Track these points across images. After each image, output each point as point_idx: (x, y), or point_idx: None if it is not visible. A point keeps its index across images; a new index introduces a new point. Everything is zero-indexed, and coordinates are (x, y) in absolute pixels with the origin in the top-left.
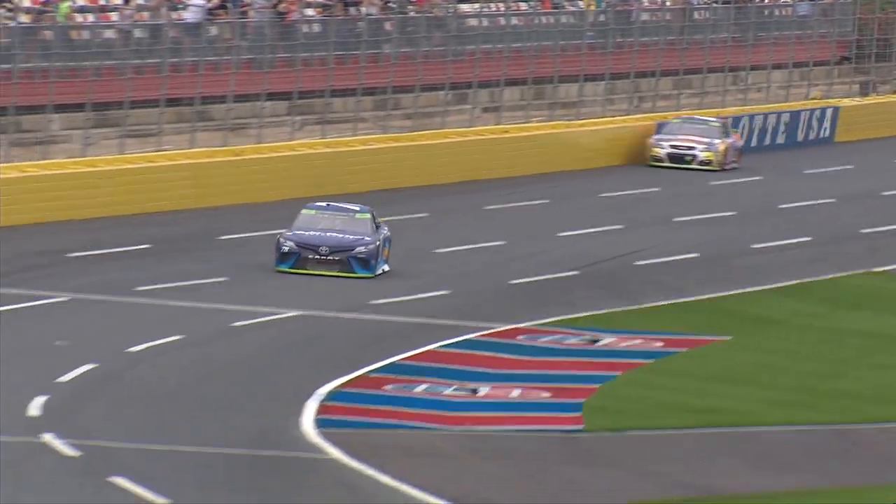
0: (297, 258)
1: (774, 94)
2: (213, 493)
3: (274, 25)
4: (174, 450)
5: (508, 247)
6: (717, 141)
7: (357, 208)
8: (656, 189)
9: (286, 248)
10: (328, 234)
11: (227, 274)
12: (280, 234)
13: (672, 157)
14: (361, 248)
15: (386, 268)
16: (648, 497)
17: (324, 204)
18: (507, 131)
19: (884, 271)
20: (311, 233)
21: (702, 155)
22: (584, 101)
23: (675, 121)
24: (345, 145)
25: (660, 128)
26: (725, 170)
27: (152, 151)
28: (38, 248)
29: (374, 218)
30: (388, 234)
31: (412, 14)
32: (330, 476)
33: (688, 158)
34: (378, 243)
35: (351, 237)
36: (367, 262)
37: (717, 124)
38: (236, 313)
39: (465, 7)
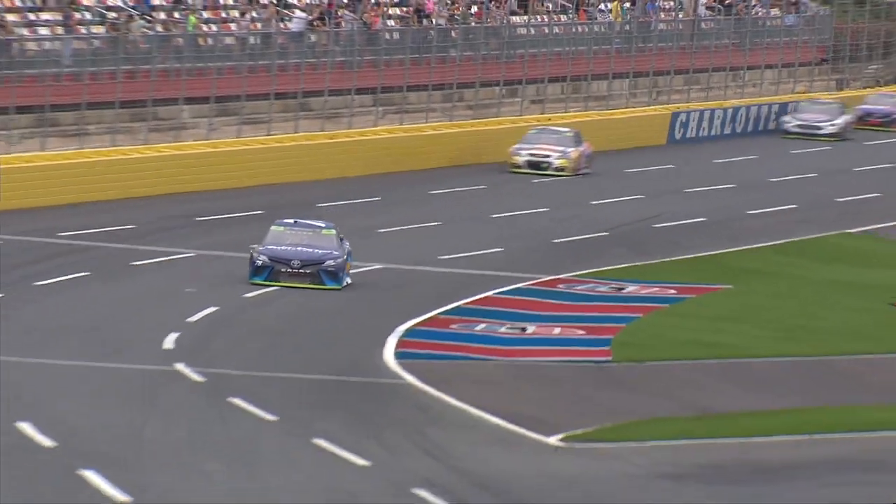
0: (271, 271)
1: (766, 89)
2: (312, 411)
3: (361, 33)
4: (281, 376)
5: (550, 212)
6: (570, 149)
7: (323, 225)
8: (671, 165)
9: (259, 263)
10: (298, 248)
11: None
12: (252, 248)
13: (530, 164)
14: (331, 262)
15: (349, 280)
16: (665, 415)
17: (291, 221)
18: (549, 119)
19: (855, 232)
20: (283, 248)
21: (556, 162)
22: (612, 94)
23: (532, 131)
24: (417, 131)
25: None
26: (578, 175)
27: (263, 136)
28: (171, 214)
29: (338, 233)
30: (350, 248)
31: (473, 24)
32: (406, 398)
33: (544, 165)
34: (344, 257)
35: (320, 251)
36: (335, 275)
37: (570, 134)
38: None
39: (515, 19)
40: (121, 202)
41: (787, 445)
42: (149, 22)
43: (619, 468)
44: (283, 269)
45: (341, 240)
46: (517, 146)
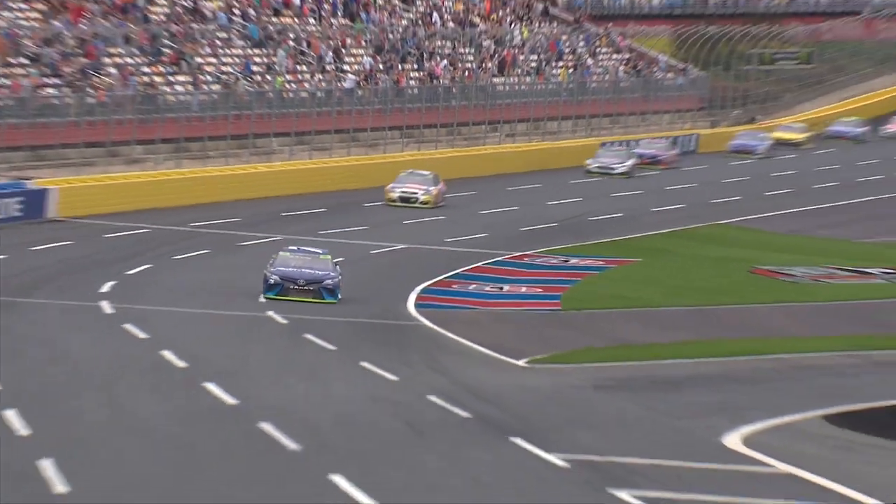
0: (281, 288)
1: (664, 127)
2: (360, 343)
3: (392, 89)
4: (339, 320)
5: (520, 211)
6: (431, 188)
7: (320, 251)
8: (599, 179)
9: (272, 281)
10: (303, 269)
11: (368, 224)
12: (266, 270)
13: (402, 199)
14: (329, 281)
15: (339, 296)
16: (597, 345)
17: (295, 248)
18: (518, 148)
19: (723, 223)
20: (291, 269)
21: (422, 197)
22: (561, 130)
23: (402, 174)
24: (430, 154)
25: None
26: (438, 207)
27: (326, 158)
28: (264, 211)
29: (332, 258)
30: (340, 271)
31: (467, 83)
32: (422, 334)
33: (412, 200)
34: (339, 277)
35: (320, 273)
36: (332, 291)
37: (430, 176)
38: (373, 246)
39: (496, 80)
40: (231, 203)
41: (682, 365)
42: (249, 81)
43: (566, 381)
44: (291, 286)
45: (335, 264)
46: (391, 185)
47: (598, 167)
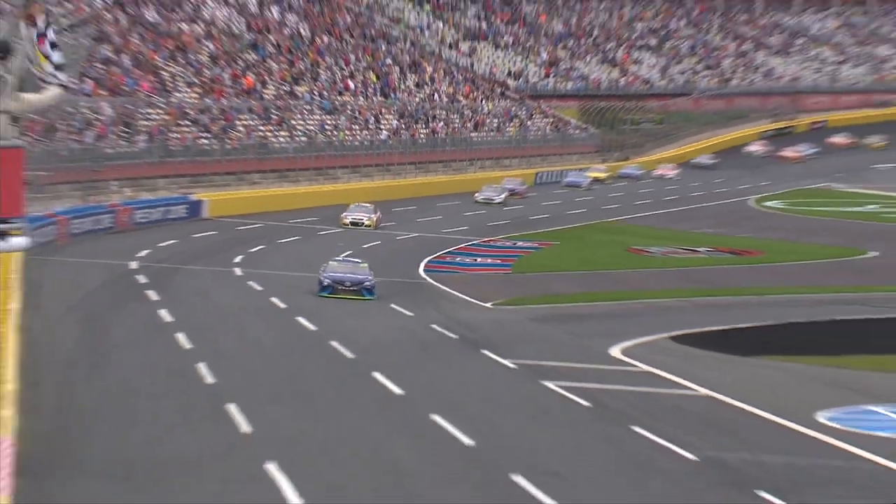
0: (332, 289)
1: (569, 164)
2: (389, 294)
3: (409, 140)
4: (380, 279)
5: (487, 214)
6: (373, 215)
7: (360, 261)
8: (535, 193)
9: (325, 283)
10: (347, 274)
11: (394, 221)
12: (319, 274)
13: (353, 223)
14: (368, 283)
15: (375, 294)
16: (533, 294)
17: (341, 258)
18: (464, 178)
19: (611, 220)
20: (339, 274)
21: (366, 222)
22: (511, 164)
23: (352, 206)
24: (437, 178)
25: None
26: (378, 229)
27: (370, 181)
28: (331, 215)
29: (368, 266)
30: (374, 275)
31: (455, 135)
32: (428, 288)
33: (360, 224)
34: (374, 281)
35: (361, 277)
36: (371, 290)
37: (371, 206)
38: (398, 234)
39: (472, 133)
40: (312, 209)
41: (585, 307)
42: (324, 135)
43: (515, 316)
44: (340, 287)
45: (371, 271)
46: (344, 213)
47: (483, 198)
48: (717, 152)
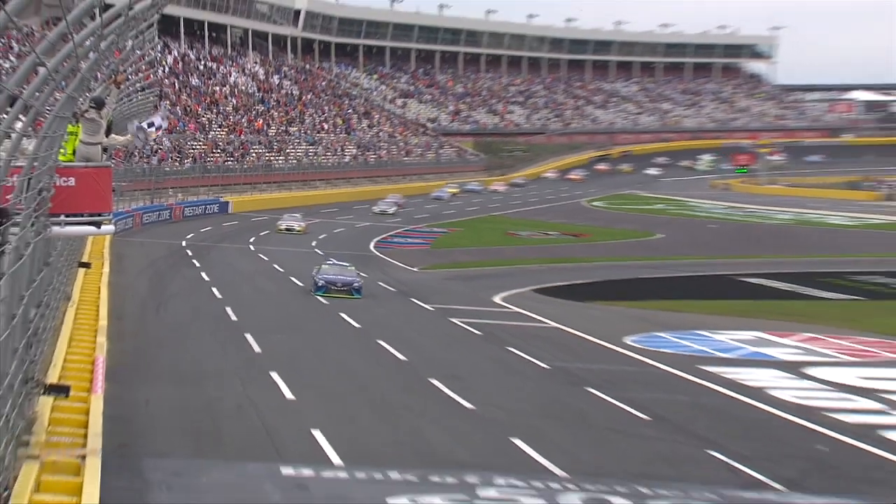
0: (326, 288)
1: (469, 177)
2: (352, 261)
3: (363, 162)
4: (345, 252)
5: (410, 210)
6: (302, 223)
7: (348, 265)
8: (435, 204)
9: (320, 283)
10: (339, 276)
11: (353, 215)
12: (314, 276)
13: (287, 229)
14: (356, 284)
15: (363, 293)
16: (445, 262)
17: (332, 262)
18: (396, 186)
19: (493, 215)
20: (331, 276)
21: (297, 228)
22: (433, 180)
23: (285, 215)
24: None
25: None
26: (306, 234)
27: (339, 189)
28: (318, 210)
29: (356, 269)
30: (362, 277)
31: (394, 160)
32: (377, 259)
33: (292, 230)
34: (362, 282)
35: (350, 278)
36: (359, 290)
37: (300, 216)
38: (357, 223)
39: (405, 158)
40: (302, 207)
41: (478, 271)
42: (308, 159)
43: (433, 276)
44: (332, 287)
45: (358, 273)
46: (279, 221)
47: (380, 210)
48: (554, 173)
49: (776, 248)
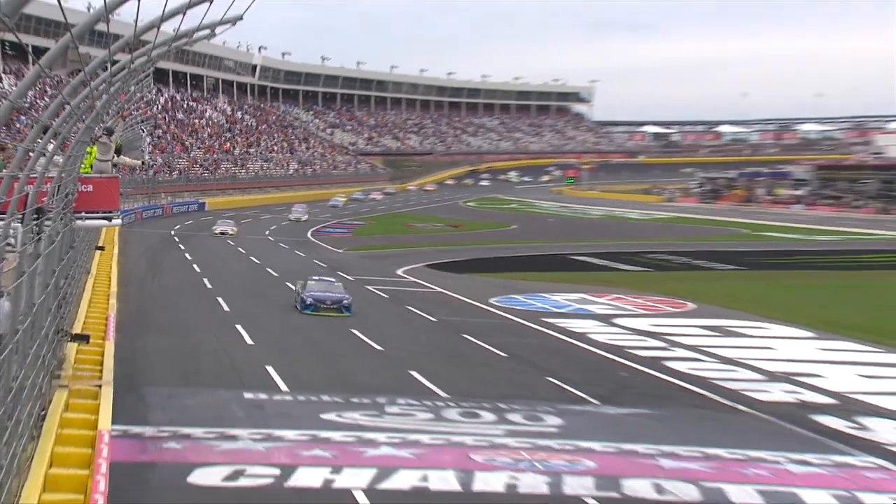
0: (315, 307)
1: (381, 185)
2: (295, 246)
3: (303, 174)
4: (289, 239)
5: (339, 210)
6: (235, 227)
7: (334, 280)
8: (377, 196)
9: (309, 302)
10: (327, 293)
11: (288, 212)
12: (301, 293)
13: (221, 233)
14: (346, 301)
15: (352, 311)
16: (366, 245)
17: (318, 278)
18: (326, 192)
19: (396, 212)
20: (319, 293)
21: (230, 232)
22: (351, 186)
23: (219, 220)
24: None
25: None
26: (238, 237)
27: (284, 193)
28: (272, 208)
29: (343, 284)
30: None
31: (328, 172)
32: (313, 244)
33: (225, 233)
34: (351, 298)
35: (339, 296)
36: (349, 308)
37: (232, 221)
38: (302, 218)
39: (333, 171)
40: (258, 206)
41: (386, 252)
42: (264, 171)
43: (353, 256)
44: (322, 305)
45: (344, 287)
46: (214, 226)
47: (294, 218)
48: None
49: (593, 235)
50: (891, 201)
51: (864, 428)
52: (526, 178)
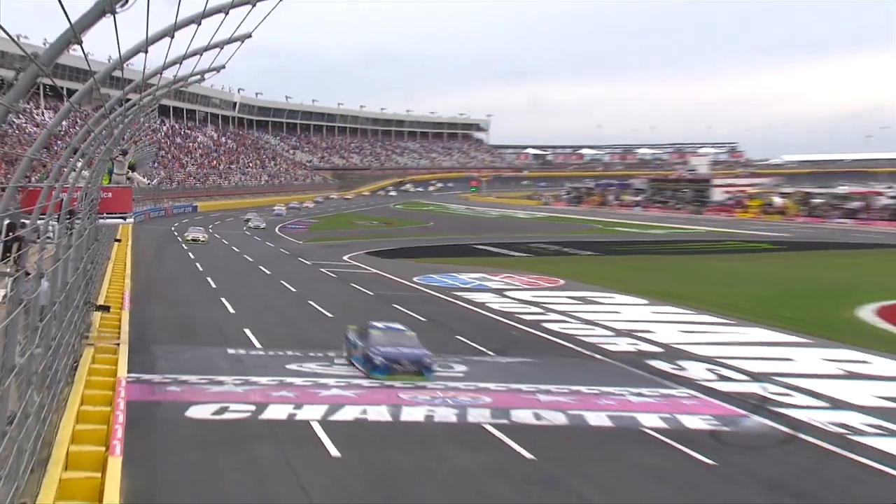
0: (388, 369)
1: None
2: (268, 238)
3: (273, 184)
4: (263, 231)
5: (314, 209)
6: (206, 234)
7: (404, 329)
8: (334, 199)
9: (378, 362)
10: (402, 350)
11: (268, 213)
12: (361, 346)
13: (192, 240)
14: (427, 360)
15: (434, 370)
16: (317, 238)
17: (382, 325)
18: (288, 198)
19: (344, 213)
20: (391, 350)
21: (202, 238)
22: (308, 192)
23: (191, 227)
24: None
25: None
26: (221, 232)
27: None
28: (254, 208)
29: (415, 334)
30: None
31: (287, 181)
32: (280, 237)
33: (197, 240)
34: (432, 357)
35: (418, 352)
36: (430, 368)
37: (202, 228)
38: (272, 217)
39: (294, 182)
40: (238, 209)
41: (332, 243)
42: (242, 182)
43: (310, 245)
44: (396, 367)
45: (419, 340)
46: (186, 232)
47: (254, 226)
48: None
49: (490, 230)
50: (701, 205)
51: (682, 369)
52: (419, 189)
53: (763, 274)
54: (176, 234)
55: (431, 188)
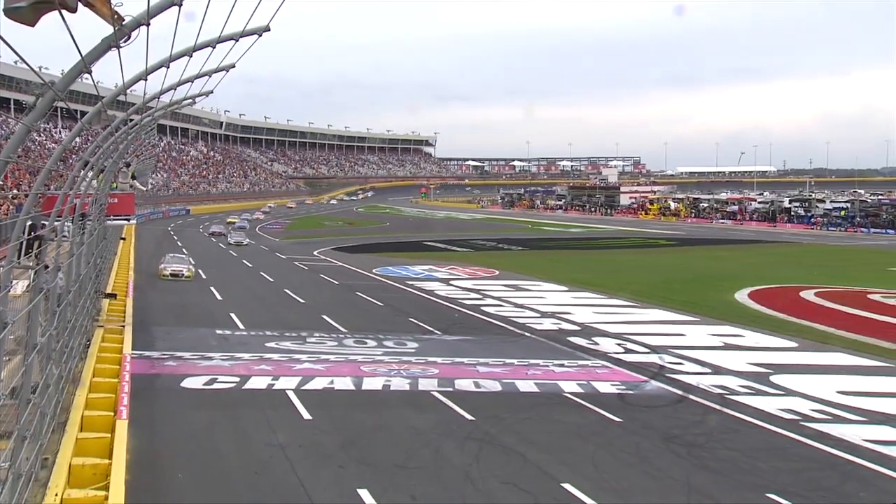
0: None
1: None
2: (251, 237)
3: (255, 191)
4: (246, 231)
5: (299, 210)
6: (190, 267)
7: (184, 255)
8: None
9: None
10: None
11: (260, 213)
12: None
13: (172, 275)
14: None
15: None
16: (296, 236)
17: (171, 255)
18: (264, 202)
19: (314, 216)
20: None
21: (186, 273)
22: (284, 197)
23: (168, 256)
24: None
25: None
26: (191, 281)
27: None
28: (246, 210)
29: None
30: None
31: (267, 189)
32: (260, 236)
33: (180, 276)
34: None
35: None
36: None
37: (186, 258)
38: (256, 217)
39: (272, 188)
40: (227, 212)
41: (310, 240)
42: (229, 190)
43: (286, 242)
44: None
45: None
46: (162, 266)
47: (234, 242)
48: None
49: (440, 230)
50: (611, 209)
51: (596, 344)
52: (353, 198)
53: (661, 265)
54: (172, 233)
55: (360, 196)
